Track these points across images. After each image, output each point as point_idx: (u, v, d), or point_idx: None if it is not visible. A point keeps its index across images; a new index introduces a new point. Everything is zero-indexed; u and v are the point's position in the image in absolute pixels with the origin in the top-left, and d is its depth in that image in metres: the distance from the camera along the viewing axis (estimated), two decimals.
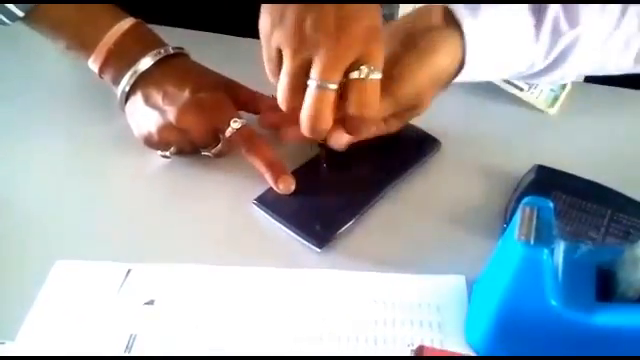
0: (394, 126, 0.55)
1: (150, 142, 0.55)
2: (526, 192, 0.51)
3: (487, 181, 0.55)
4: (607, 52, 0.54)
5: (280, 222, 0.51)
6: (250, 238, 0.51)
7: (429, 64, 0.50)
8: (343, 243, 0.50)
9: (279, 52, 0.45)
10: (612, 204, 0.50)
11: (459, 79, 0.53)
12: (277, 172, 0.53)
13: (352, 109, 0.45)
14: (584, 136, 0.60)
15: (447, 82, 0.53)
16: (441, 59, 0.50)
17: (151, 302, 0.46)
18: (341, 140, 0.52)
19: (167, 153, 0.55)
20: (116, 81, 0.55)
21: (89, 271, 0.48)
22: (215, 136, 0.54)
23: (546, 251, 0.37)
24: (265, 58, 0.46)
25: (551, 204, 0.39)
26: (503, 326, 0.41)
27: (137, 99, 0.54)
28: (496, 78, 0.62)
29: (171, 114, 0.53)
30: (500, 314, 0.40)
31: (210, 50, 0.59)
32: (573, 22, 0.51)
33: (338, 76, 0.43)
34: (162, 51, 0.55)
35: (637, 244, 0.38)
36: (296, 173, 0.54)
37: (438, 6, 0.52)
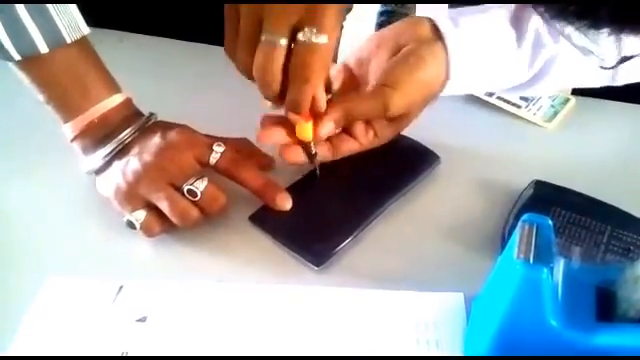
0: (385, 138, 0.54)
1: (123, 196, 0.51)
2: (525, 208, 0.51)
3: (486, 196, 0.55)
4: (587, 67, 0.54)
5: (277, 239, 0.50)
6: (246, 255, 0.50)
7: (419, 79, 0.51)
8: (341, 260, 0.49)
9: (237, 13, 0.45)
10: (612, 221, 0.50)
11: (446, 92, 0.53)
12: (271, 194, 0.52)
13: (292, 71, 0.44)
14: (583, 151, 0.60)
15: (437, 93, 0.53)
16: (430, 73, 0.51)
17: (143, 319, 0.45)
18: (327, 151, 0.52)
19: (134, 217, 0.50)
20: (91, 150, 0.52)
21: (81, 287, 0.47)
22: (197, 170, 0.51)
23: (545, 270, 0.36)
24: (225, 21, 0.46)
25: (550, 222, 0.38)
26: (502, 345, 0.40)
27: (116, 164, 0.52)
28: (482, 91, 0.62)
29: (146, 157, 0.50)
30: (499, 333, 0.40)
31: (209, 62, 0.58)
32: (555, 37, 0.52)
33: (284, 31, 0.43)
34: (144, 120, 0.53)
35: (638, 263, 0.38)
36: (292, 189, 0.53)
37: (425, 18, 0.53)
